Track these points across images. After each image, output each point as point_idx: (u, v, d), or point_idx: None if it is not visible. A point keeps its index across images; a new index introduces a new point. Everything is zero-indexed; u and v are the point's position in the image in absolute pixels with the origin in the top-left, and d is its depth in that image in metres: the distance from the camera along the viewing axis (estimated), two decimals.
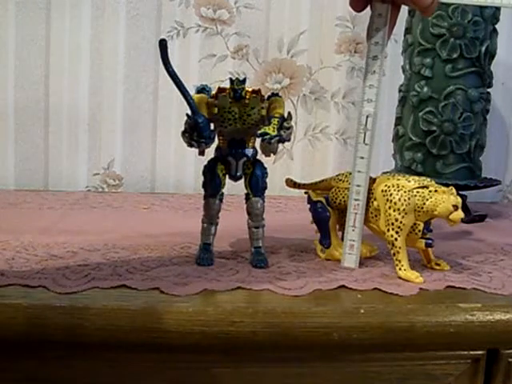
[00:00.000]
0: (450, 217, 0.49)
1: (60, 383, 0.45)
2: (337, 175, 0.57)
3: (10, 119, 0.93)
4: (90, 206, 0.80)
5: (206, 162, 0.54)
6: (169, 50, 0.47)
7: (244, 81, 0.51)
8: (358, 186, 0.53)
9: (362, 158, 0.53)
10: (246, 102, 0.51)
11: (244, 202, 0.54)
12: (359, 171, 0.53)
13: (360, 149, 0.53)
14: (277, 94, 0.53)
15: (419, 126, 0.78)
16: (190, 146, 0.51)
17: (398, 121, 0.82)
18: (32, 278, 0.47)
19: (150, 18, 0.93)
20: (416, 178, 0.52)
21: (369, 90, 0.52)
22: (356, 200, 0.53)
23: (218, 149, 0.54)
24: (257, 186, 0.53)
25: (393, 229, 0.51)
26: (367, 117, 0.52)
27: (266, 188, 0.54)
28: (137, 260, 0.53)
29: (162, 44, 0.47)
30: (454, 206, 0.49)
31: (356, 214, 0.53)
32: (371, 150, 0.53)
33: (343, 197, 0.55)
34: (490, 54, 0.78)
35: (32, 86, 0.92)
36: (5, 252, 0.54)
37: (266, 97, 0.53)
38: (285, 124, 0.50)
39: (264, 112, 0.52)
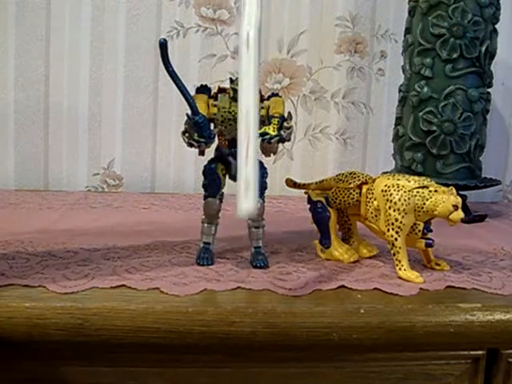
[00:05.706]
0: (450, 217, 0.49)
1: (60, 383, 0.45)
2: (337, 175, 0.57)
3: (10, 119, 0.93)
4: (89, 206, 0.80)
5: (206, 162, 0.54)
6: (169, 50, 0.47)
7: None
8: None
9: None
10: None
11: None
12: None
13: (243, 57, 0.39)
14: (277, 94, 0.53)
15: (419, 126, 0.78)
16: (190, 145, 0.51)
17: (398, 121, 0.82)
18: (32, 277, 0.47)
19: (150, 18, 0.93)
20: (416, 178, 0.52)
21: None
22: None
23: (217, 149, 0.54)
24: None
25: (393, 229, 0.51)
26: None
27: (266, 188, 0.54)
28: (137, 260, 0.53)
29: (162, 44, 0.47)
30: (454, 205, 0.49)
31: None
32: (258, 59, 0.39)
33: (343, 197, 0.55)
34: (490, 54, 0.77)
35: (32, 86, 0.92)
36: (5, 252, 0.54)
37: (266, 97, 0.53)
38: (285, 124, 0.50)
39: (264, 112, 0.52)
